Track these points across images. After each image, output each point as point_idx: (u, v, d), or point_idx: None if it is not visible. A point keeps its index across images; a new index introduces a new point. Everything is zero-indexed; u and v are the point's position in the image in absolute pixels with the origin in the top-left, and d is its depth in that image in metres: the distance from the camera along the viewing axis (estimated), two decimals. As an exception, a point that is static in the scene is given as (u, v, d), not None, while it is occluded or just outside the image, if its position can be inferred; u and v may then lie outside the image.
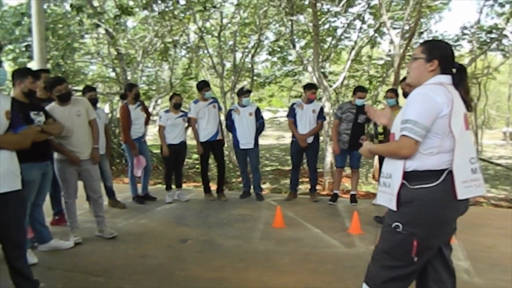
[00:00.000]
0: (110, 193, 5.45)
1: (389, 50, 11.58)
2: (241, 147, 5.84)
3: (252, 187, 6.05)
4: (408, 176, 1.88)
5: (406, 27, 8.56)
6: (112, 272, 3.23)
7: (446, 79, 1.95)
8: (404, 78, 5.24)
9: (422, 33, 11.60)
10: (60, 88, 3.70)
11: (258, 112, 5.90)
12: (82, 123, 3.86)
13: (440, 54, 1.98)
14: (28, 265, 2.57)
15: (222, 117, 6.89)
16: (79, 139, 3.82)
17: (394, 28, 9.60)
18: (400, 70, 7.84)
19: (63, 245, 3.73)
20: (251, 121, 5.81)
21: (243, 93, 5.90)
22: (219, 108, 5.96)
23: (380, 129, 5.17)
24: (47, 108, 3.62)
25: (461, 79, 1.98)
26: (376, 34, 11.59)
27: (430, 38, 11.23)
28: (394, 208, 1.92)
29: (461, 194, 1.84)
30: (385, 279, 1.97)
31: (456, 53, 11.78)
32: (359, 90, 5.54)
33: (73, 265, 3.37)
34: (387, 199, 1.99)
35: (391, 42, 8.54)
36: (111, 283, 3.04)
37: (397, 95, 5.43)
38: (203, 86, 5.77)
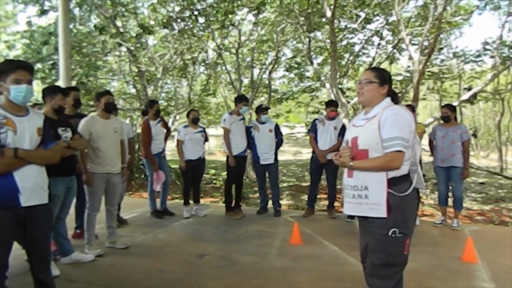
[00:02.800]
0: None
1: (408, 66, 11.52)
2: (262, 162, 5.88)
3: (271, 202, 6.05)
4: (390, 182, 2.17)
5: (425, 43, 8.52)
6: (130, 286, 3.27)
7: (390, 100, 2.32)
8: (447, 105, 5.30)
9: (442, 48, 11.51)
10: (109, 97, 4.06)
11: (277, 128, 5.96)
12: (116, 139, 4.13)
13: (389, 81, 2.36)
14: (52, 277, 2.63)
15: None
16: (111, 153, 4.05)
17: (413, 44, 9.56)
18: (419, 86, 7.78)
19: (84, 258, 3.80)
20: (271, 137, 5.86)
21: (262, 110, 5.96)
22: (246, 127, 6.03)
23: None
24: (87, 118, 3.94)
25: (396, 102, 2.35)
26: (395, 50, 11.56)
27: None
28: (383, 215, 2.16)
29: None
30: None
31: (478, 69, 11.72)
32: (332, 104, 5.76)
33: (93, 278, 3.43)
34: (365, 209, 2.23)
35: (410, 58, 8.48)
36: (130, 297, 3.07)
37: (413, 111, 5.41)
38: (242, 100, 5.86)
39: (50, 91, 3.45)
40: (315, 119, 5.94)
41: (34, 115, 2.49)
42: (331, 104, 5.81)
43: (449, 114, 5.26)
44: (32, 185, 2.36)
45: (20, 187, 2.30)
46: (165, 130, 5.82)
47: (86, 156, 3.90)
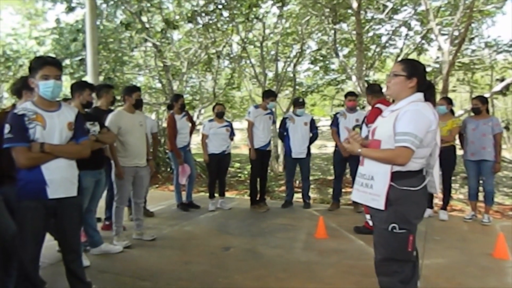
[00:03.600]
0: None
1: (437, 57, 11.17)
2: (294, 156, 5.87)
3: (296, 196, 6.04)
4: (394, 176, 2.15)
5: (456, 33, 8.24)
6: (158, 277, 3.34)
7: (421, 96, 2.24)
8: (478, 96, 5.14)
9: (473, 38, 11.11)
10: (139, 93, 4.20)
11: (312, 122, 5.93)
12: (142, 132, 4.22)
13: (419, 73, 2.26)
14: (82, 267, 2.72)
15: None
16: (139, 147, 4.14)
17: (443, 34, 9.26)
18: (449, 77, 7.55)
19: (113, 249, 3.90)
20: (306, 131, 5.84)
21: (299, 104, 5.94)
22: (273, 121, 6.02)
23: None
24: (114, 112, 4.06)
25: (430, 96, 2.28)
26: (423, 41, 11.23)
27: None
28: (381, 207, 2.16)
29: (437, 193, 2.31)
30: (399, 284, 2.19)
31: (511, 59, 11.25)
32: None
33: (122, 269, 3.52)
34: (368, 198, 2.24)
35: (439, 48, 8.23)
36: (158, 288, 3.14)
37: (449, 103, 5.28)
38: (270, 95, 5.84)
39: (79, 86, 3.55)
40: (337, 113, 5.89)
41: (66, 110, 2.55)
42: (349, 94, 5.77)
43: (479, 106, 5.08)
44: (60, 178, 2.43)
45: (47, 180, 2.38)
46: (190, 124, 5.88)
47: (116, 150, 3.98)
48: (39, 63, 2.42)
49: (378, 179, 2.19)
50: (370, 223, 4.61)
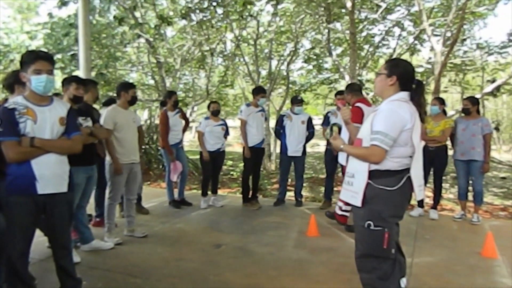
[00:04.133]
0: (138, 199, 5.53)
1: (430, 58, 11.26)
2: (289, 154, 5.88)
3: (288, 194, 6.06)
4: (372, 174, 2.20)
5: (448, 34, 8.31)
6: (149, 274, 3.33)
7: (406, 95, 2.25)
8: (469, 97, 5.21)
9: (465, 39, 11.20)
10: (134, 90, 4.21)
11: (310, 121, 5.93)
12: (135, 129, 4.21)
13: (398, 71, 2.26)
14: (73, 263, 2.70)
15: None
16: (132, 143, 4.14)
17: (435, 35, 9.33)
18: (441, 78, 7.61)
19: (104, 245, 3.88)
20: (303, 129, 5.85)
21: (297, 101, 5.94)
22: (266, 118, 6.02)
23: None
24: (110, 108, 4.05)
25: (416, 94, 2.27)
26: (416, 41, 11.31)
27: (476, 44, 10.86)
28: (358, 204, 2.23)
29: (419, 196, 2.29)
30: (377, 281, 2.24)
31: (502, 61, 11.37)
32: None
33: (113, 266, 3.50)
34: (349, 195, 2.30)
35: (432, 49, 8.30)
36: (148, 284, 3.13)
37: (442, 104, 5.33)
38: (260, 91, 5.83)
39: (66, 81, 3.49)
40: (328, 112, 5.94)
41: (58, 104, 2.53)
42: (339, 93, 5.77)
43: (469, 107, 5.13)
44: (50, 174, 2.41)
45: (37, 175, 2.36)
46: (183, 121, 5.86)
47: (113, 147, 3.96)
48: (32, 57, 2.39)
49: (358, 177, 2.25)
50: (339, 212, 4.68)
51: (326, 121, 5.78)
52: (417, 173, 2.25)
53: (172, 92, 6.07)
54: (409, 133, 2.18)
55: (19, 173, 2.35)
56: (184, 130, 5.93)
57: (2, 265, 2.58)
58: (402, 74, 2.26)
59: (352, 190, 2.28)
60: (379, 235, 2.20)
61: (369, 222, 2.21)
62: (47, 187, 2.40)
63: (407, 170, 2.23)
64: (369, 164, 2.20)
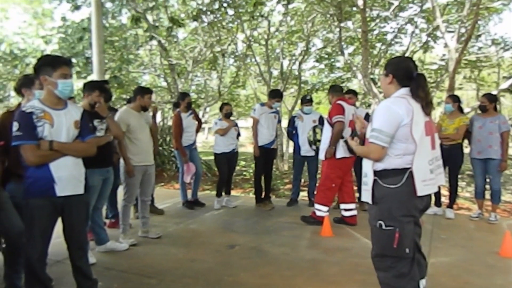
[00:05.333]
0: (151, 200, 5.56)
1: (444, 55, 11.10)
2: (302, 153, 5.87)
3: (303, 193, 6.06)
4: (379, 174, 2.23)
5: (462, 30, 8.18)
6: (163, 274, 3.35)
7: (406, 91, 2.26)
8: (486, 94, 5.16)
9: (479, 36, 11.02)
10: (151, 95, 4.22)
11: (321, 120, 5.89)
12: (148, 130, 4.23)
13: (391, 69, 2.30)
14: (88, 264, 2.73)
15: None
16: (148, 145, 4.18)
17: (449, 32, 9.19)
18: (455, 75, 7.50)
19: (119, 247, 3.92)
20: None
21: (306, 101, 5.93)
22: (279, 121, 6.01)
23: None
24: (122, 110, 4.12)
25: (416, 87, 2.23)
26: (429, 38, 11.16)
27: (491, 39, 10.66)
28: (369, 201, 2.27)
29: (420, 191, 2.18)
30: (394, 279, 2.24)
31: (518, 56, 11.15)
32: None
33: (128, 267, 3.53)
34: (367, 195, 2.30)
35: (446, 46, 8.17)
36: (163, 285, 3.15)
37: (456, 101, 5.25)
38: (276, 96, 5.84)
39: (89, 87, 3.60)
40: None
41: (72, 108, 2.57)
42: (349, 92, 5.78)
43: (486, 104, 5.04)
44: (67, 176, 2.45)
45: (55, 178, 2.40)
46: (196, 122, 5.88)
47: (126, 149, 4.00)
48: (58, 62, 2.44)
49: (369, 175, 2.29)
50: (317, 213, 4.73)
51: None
52: (421, 167, 2.19)
53: (185, 93, 6.10)
54: (408, 129, 2.15)
55: (38, 176, 2.38)
56: (197, 131, 5.95)
57: (21, 266, 2.64)
58: (396, 71, 2.29)
59: (366, 189, 2.31)
60: (390, 234, 2.20)
61: (380, 222, 2.23)
62: (65, 189, 2.44)
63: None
64: (373, 163, 2.24)
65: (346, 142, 4.59)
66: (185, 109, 5.70)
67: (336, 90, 5.05)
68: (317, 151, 5.85)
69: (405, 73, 2.28)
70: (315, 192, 5.30)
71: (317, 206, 4.86)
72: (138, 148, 4.05)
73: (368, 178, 2.30)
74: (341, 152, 4.71)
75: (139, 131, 4.06)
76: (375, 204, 2.27)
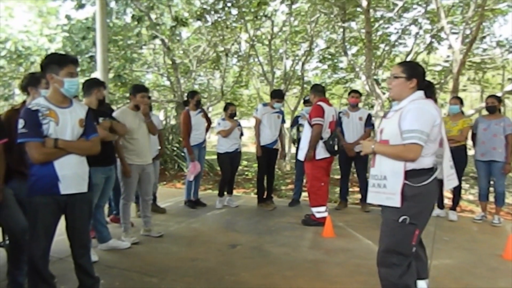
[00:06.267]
0: (153, 198, 5.57)
1: (448, 56, 11.06)
2: None
3: (304, 194, 6.04)
4: (408, 174, 2.23)
5: (467, 32, 8.14)
6: (165, 273, 3.35)
7: (422, 94, 2.35)
8: (493, 95, 5.12)
9: (484, 37, 10.97)
10: (143, 94, 4.14)
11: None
12: (145, 128, 4.20)
13: (415, 73, 2.36)
14: (91, 262, 2.74)
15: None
16: (144, 143, 4.15)
17: (453, 33, 9.16)
18: (459, 76, 7.47)
19: (121, 245, 3.93)
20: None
21: (308, 102, 5.86)
22: (283, 121, 5.99)
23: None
24: (119, 110, 4.09)
25: (431, 94, 2.42)
26: (433, 40, 11.12)
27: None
28: (397, 204, 2.24)
29: (447, 186, 2.35)
30: (396, 277, 2.27)
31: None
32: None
33: (130, 265, 3.54)
34: (383, 198, 2.31)
35: (450, 47, 8.14)
36: (164, 284, 3.15)
37: (461, 103, 5.25)
38: (276, 96, 5.82)
39: (96, 83, 3.61)
40: (339, 112, 5.85)
41: (77, 106, 2.57)
42: (353, 91, 5.79)
43: (496, 105, 5.02)
44: (71, 174, 2.45)
45: (59, 176, 2.40)
46: (205, 121, 5.86)
47: (122, 149, 3.99)
48: (65, 60, 2.44)
49: (391, 178, 2.27)
50: (317, 215, 4.72)
51: (338, 122, 5.75)
52: (445, 165, 2.33)
53: (195, 92, 6.08)
54: (438, 128, 2.26)
55: (42, 173, 2.38)
56: (206, 130, 5.93)
57: (24, 263, 2.64)
58: (419, 76, 2.37)
59: (386, 192, 2.30)
60: (411, 230, 2.25)
61: (405, 217, 2.24)
62: (69, 187, 2.44)
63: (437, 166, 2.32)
64: (405, 164, 2.23)
65: (325, 143, 4.72)
66: (194, 107, 5.70)
67: (318, 90, 5.07)
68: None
69: (423, 78, 2.40)
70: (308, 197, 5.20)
71: (313, 209, 4.85)
72: (134, 147, 4.03)
73: (390, 181, 2.27)
74: (321, 153, 4.76)
75: (136, 130, 4.04)
76: (405, 201, 2.24)
